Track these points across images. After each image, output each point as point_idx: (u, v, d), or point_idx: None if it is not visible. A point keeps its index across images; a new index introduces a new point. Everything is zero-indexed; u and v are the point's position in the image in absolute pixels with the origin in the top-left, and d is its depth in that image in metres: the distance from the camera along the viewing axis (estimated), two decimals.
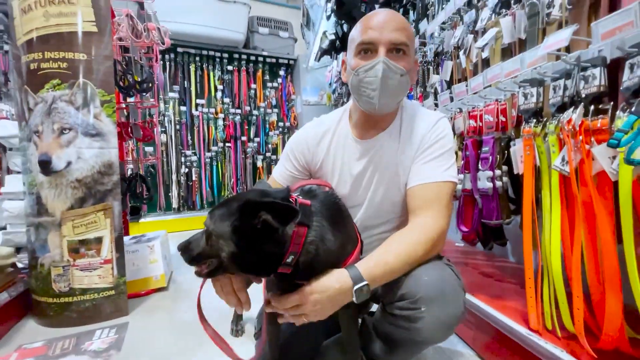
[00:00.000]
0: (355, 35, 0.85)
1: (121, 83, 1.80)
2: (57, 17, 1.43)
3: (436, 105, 1.46)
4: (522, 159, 0.82)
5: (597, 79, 0.65)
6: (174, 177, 4.00)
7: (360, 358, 0.89)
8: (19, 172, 1.68)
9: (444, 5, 1.58)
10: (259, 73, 4.52)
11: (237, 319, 1.33)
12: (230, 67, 4.31)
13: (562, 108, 0.74)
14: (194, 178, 4.15)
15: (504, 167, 0.92)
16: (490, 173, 0.92)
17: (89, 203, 1.47)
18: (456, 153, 1.17)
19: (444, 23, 1.38)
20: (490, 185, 0.93)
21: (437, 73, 1.47)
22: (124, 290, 1.54)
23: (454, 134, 1.20)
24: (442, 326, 0.71)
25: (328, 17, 2.68)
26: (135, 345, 1.27)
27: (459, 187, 1.06)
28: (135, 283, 1.72)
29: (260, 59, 4.45)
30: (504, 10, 1.03)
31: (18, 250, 1.64)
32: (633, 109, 0.54)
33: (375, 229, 0.94)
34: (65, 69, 1.44)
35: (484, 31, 1.07)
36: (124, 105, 2.05)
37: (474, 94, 1.08)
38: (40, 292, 1.46)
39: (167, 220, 3.87)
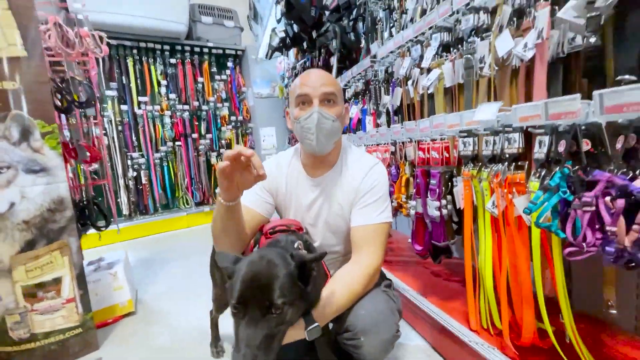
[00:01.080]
0: (294, 89, 0.99)
1: (59, 104, 1.66)
2: None
3: (389, 123, 1.59)
4: (462, 196, 0.98)
5: (517, 142, 0.81)
6: (121, 182, 3.75)
7: None
8: None
9: (392, 24, 1.68)
10: (205, 65, 4.29)
11: (216, 340, 1.39)
12: (173, 60, 4.03)
13: (492, 159, 0.90)
14: (143, 181, 3.92)
15: (449, 197, 1.09)
16: (437, 203, 1.08)
17: (42, 244, 1.38)
18: (408, 180, 1.32)
19: (392, 52, 1.49)
20: (438, 213, 1.09)
21: (388, 93, 1.59)
22: (92, 325, 1.51)
23: (406, 160, 1.35)
24: (379, 350, 0.88)
25: (278, 21, 2.64)
26: None
27: (412, 212, 1.22)
28: (101, 312, 1.68)
29: (206, 50, 4.21)
30: (444, 54, 1.16)
31: None
32: (540, 187, 0.71)
33: (333, 248, 1.09)
34: None
35: (429, 70, 1.20)
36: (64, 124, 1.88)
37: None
38: None
39: (119, 228, 3.66)
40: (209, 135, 4.29)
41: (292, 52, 3.47)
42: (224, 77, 4.44)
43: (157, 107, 3.94)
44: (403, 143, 1.34)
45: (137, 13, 3.46)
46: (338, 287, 0.87)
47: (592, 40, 0.68)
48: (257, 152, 4.55)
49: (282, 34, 2.94)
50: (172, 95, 4.02)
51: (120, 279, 1.80)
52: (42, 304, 1.39)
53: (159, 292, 2.11)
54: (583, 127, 0.64)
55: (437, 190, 1.08)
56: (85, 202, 1.77)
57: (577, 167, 0.66)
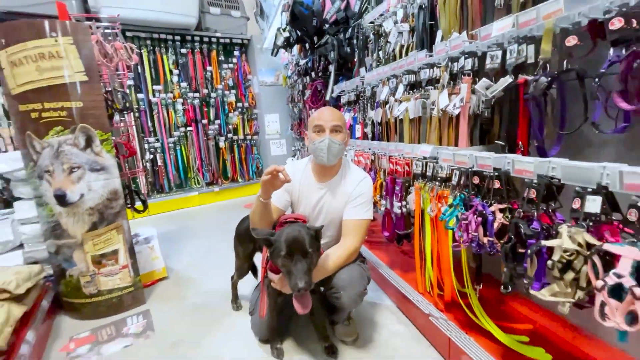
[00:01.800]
0: (312, 120, 1.39)
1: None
2: (49, 71, 1.63)
3: (374, 135, 1.97)
4: (414, 201, 1.40)
5: (445, 169, 1.21)
6: (139, 164, 4.16)
7: (323, 317, 1.50)
8: (20, 199, 1.93)
9: (379, 47, 2.01)
10: (214, 54, 4.56)
11: (235, 298, 1.87)
12: (183, 50, 4.30)
13: (432, 177, 1.31)
14: (159, 163, 4.34)
15: (407, 199, 1.50)
16: (399, 204, 1.50)
17: (103, 225, 1.82)
18: (382, 184, 1.73)
19: (375, 79, 1.85)
20: (399, 211, 1.51)
21: (373, 108, 1.96)
22: (140, 285, 1.99)
23: (383, 169, 1.75)
24: (352, 300, 1.33)
25: (284, 30, 2.92)
26: (163, 326, 1.76)
27: (382, 208, 1.64)
28: (143, 277, 2.15)
29: (214, 39, 4.46)
30: (411, 91, 1.53)
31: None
32: (447, 204, 1.11)
33: (325, 234, 1.50)
34: (65, 116, 1.68)
35: (401, 102, 1.56)
36: None
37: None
38: (72, 295, 1.85)
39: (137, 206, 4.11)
40: (217, 121, 4.64)
41: (296, 47, 3.75)
42: (230, 65, 4.71)
43: (170, 95, 4.27)
44: (378, 155, 1.74)
45: (152, 7, 3.71)
46: (329, 258, 1.31)
47: (486, 114, 1.06)
48: (262, 137, 4.94)
49: (287, 34, 3.22)
50: (184, 84, 4.33)
51: (156, 250, 2.26)
52: (105, 269, 1.85)
53: (184, 262, 2.58)
54: (473, 170, 1.04)
55: (400, 194, 1.50)
56: (126, 190, 2.19)
57: (467, 194, 1.07)
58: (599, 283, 0.63)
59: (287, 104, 4.63)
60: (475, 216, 0.97)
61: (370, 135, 2.01)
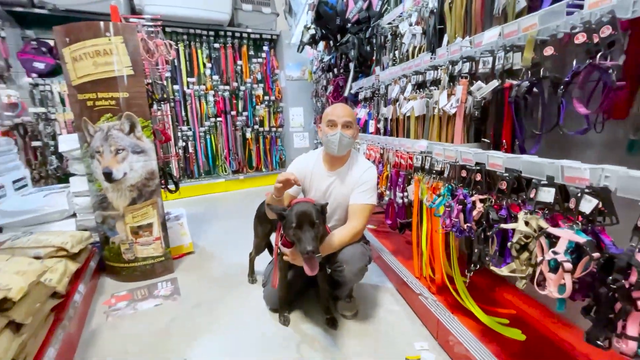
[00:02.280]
0: (326, 115, 1.54)
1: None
2: (103, 66, 1.90)
3: (385, 130, 2.10)
4: (413, 191, 1.52)
5: (440, 163, 1.33)
6: (172, 150, 4.51)
7: (327, 292, 1.67)
8: (74, 175, 2.25)
9: (395, 47, 2.13)
10: (244, 49, 4.80)
11: (252, 273, 2.08)
12: (216, 45, 4.57)
13: (429, 171, 1.43)
14: (190, 150, 4.68)
15: (408, 190, 1.63)
16: (401, 194, 1.63)
17: (141, 200, 2.10)
18: (387, 176, 1.86)
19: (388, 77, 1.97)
20: (401, 201, 1.64)
21: (386, 105, 2.08)
22: (170, 256, 2.26)
23: (389, 163, 1.88)
24: (353, 274, 1.48)
25: (308, 29, 3.08)
26: (188, 292, 2.01)
27: (387, 198, 1.77)
28: (172, 250, 2.43)
29: (245, 35, 4.70)
30: (419, 90, 1.64)
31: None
32: (436, 194, 1.23)
33: (333, 217, 1.67)
34: (114, 105, 1.95)
35: (409, 100, 1.68)
36: None
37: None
38: (114, 260, 2.14)
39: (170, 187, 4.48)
40: (245, 113, 4.90)
41: (322, 43, 3.89)
42: (260, 59, 4.94)
43: (203, 87, 4.57)
44: (387, 150, 1.87)
45: (190, 5, 3.99)
46: (335, 237, 1.47)
47: (476, 113, 1.16)
48: (286, 130, 5.15)
49: (313, 31, 3.38)
50: (215, 77, 4.62)
51: (185, 227, 2.53)
52: (142, 239, 2.13)
53: (209, 240, 2.85)
54: (460, 163, 1.16)
55: (402, 185, 1.63)
56: (161, 172, 2.47)
57: (455, 185, 1.19)
58: (539, 258, 0.74)
59: (311, 98, 4.79)
60: (457, 204, 1.09)
61: (382, 131, 2.13)
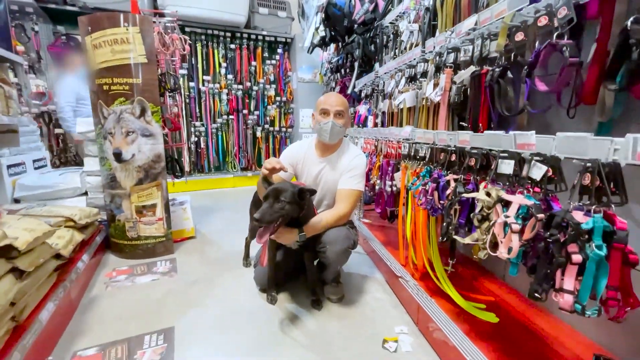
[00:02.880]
0: (319, 103, 1.63)
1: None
2: (120, 53, 2.05)
3: (382, 124, 2.16)
4: (400, 179, 1.57)
5: (424, 150, 1.37)
6: (183, 139, 4.68)
7: (314, 274, 1.72)
8: (89, 156, 2.40)
9: (396, 45, 2.20)
10: (259, 50, 4.98)
11: (246, 256, 2.16)
12: (232, 46, 4.77)
13: (414, 157, 1.48)
14: (202, 146, 4.85)
15: (395, 177, 1.68)
16: (390, 183, 1.68)
17: (147, 181, 2.22)
18: (379, 166, 1.92)
19: (385, 73, 2.03)
20: (390, 190, 1.69)
21: (383, 100, 2.14)
22: (171, 237, 2.36)
23: (382, 152, 1.94)
24: (335, 255, 1.52)
25: (317, 29, 3.19)
26: (185, 270, 2.10)
27: (377, 187, 1.82)
28: (174, 233, 2.54)
29: (260, 37, 4.88)
30: (411, 83, 1.70)
31: None
32: (416, 178, 1.28)
33: (322, 202, 1.73)
34: (127, 90, 2.09)
35: (401, 92, 1.74)
36: None
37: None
38: (119, 237, 2.26)
39: (178, 182, 4.65)
40: (256, 112, 5.06)
41: (332, 45, 4.00)
42: (273, 61, 5.11)
43: (217, 85, 4.75)
44: (381, 141, 1.92)
45: (209, 6, 4.20)
46: (321, 218, 1.53)
47: (456, 99, 1.21)
48: (296, 130, 5.26)
49: (323, 33, 3.49)
50: (230, 76, 4.80)
51: (187, 212, 2.64)
52: (145, 219, 2.25)
53: (212, 228, 2.95)
54: (440, 146, 1.21)
55: (391, 174, 1.68)
56: (169, 158, 2.60)
57: (434, 167, 1.23)
58: (493, 222, 0.79)
59: None
60: (432, 183, 1.14)
61: (379, 125, 2.19)
